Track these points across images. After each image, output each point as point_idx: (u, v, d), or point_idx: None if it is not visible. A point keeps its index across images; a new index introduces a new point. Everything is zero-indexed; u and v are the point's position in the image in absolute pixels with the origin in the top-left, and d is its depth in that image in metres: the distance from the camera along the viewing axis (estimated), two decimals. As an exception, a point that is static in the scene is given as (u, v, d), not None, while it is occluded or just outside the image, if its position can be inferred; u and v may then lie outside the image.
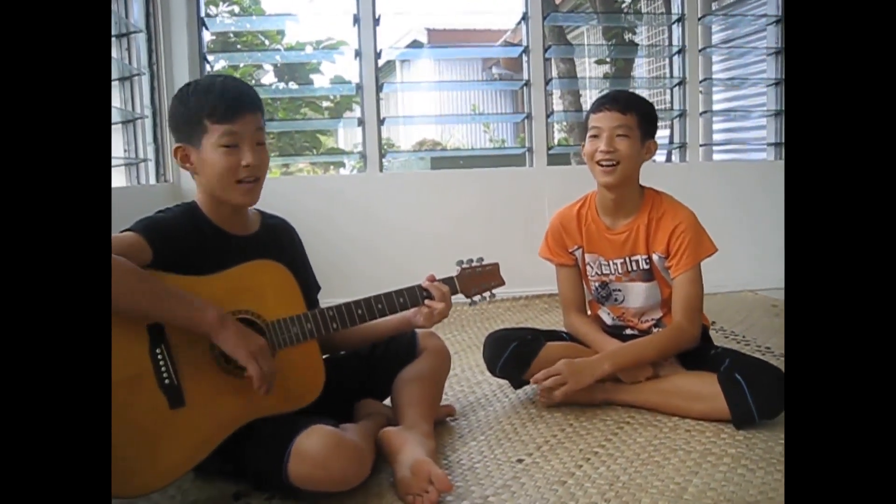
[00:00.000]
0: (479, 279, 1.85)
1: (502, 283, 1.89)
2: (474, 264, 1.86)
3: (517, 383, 2.15)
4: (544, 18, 3.76)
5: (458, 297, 1.82)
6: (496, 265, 1.89)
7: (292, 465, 1.41)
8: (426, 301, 1.75)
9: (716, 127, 4.98)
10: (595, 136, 2.04)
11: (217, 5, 7.18)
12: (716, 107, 4.96)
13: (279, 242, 1.75)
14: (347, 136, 11.25)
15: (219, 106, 1.57)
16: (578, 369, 1.96)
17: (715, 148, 4.63)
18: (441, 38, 11.64)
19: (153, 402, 1.41)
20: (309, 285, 1.77)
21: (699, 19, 3.90)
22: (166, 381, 1.43)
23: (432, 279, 1.78)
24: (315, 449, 1.41)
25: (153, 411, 1.41)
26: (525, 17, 3.75)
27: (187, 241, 1.56)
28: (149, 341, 1.43)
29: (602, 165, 2.02)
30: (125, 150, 3.13)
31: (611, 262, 2.12)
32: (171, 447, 1.42)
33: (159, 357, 1.43)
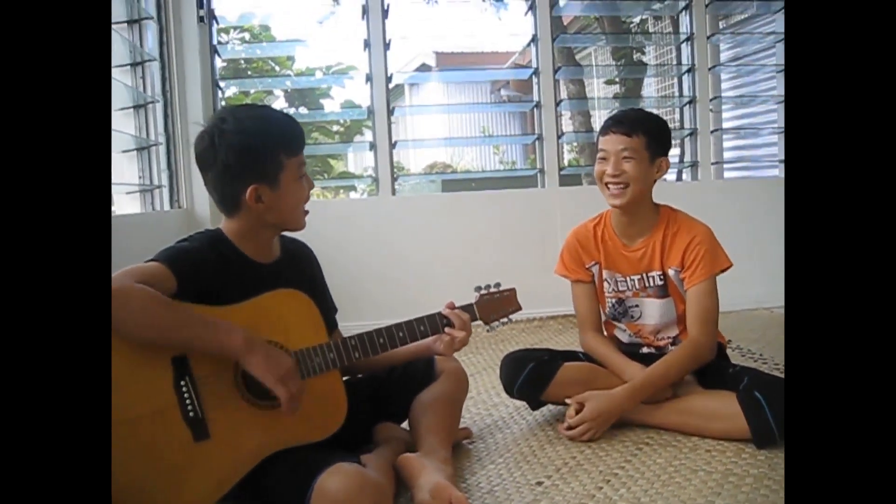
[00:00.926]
0: (497, 305, 1.85)
1: (519, 308, 1.89)
2: (492, 290, 1.86)
3: (535, 404, 2.14)
4: (553, 40, 3.78)
5: (476, 322, 1.82)
6: (513, 291, 1.89)
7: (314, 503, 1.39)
8: (447, 329, 1.75)
9: (726, 145, 4.98)
10: (603, 159, 2.05)
11: (228, 32, 7.27)
12: (725, 124, 4.97)
13: (300, 266, 1.75)
14: (357, 159, 11.31)
15: (293, 140, 1.59)
16: (601, 412, 1.95)
17: (725, 166, 4.62)
18: (449, 61, 11.71)
19: (178, 436, 1.41)
20: (327, 307, 1.77)
21: (708, 38, 3.91)
22: (191, 415, 1.43)
23: (452, 306, 1.78)
24: (337, 489, 1.38)
25: (178, 445, 1.41)
26: (535, 39, 3.77)
27: (212, 270, 1.54)
28: (173, 374, 1.42)
29: (610, 188, 2.03)
30: (140, 177, 3.16)
31: (627, 279, 2.12)
32: (196, 480, 1.42)
33: (184, 390, 1.43)
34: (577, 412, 1.96)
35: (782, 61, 4.05)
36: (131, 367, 1.39)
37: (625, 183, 2.01)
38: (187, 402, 1.42)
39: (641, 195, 2.05)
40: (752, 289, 3.52)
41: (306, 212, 1.67)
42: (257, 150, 1.54)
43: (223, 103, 3.66)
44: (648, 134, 2.03)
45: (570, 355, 2.20)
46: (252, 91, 7.03)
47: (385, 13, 3.61)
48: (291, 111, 7.20)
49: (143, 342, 1.38)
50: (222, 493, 1.44)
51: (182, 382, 1.43)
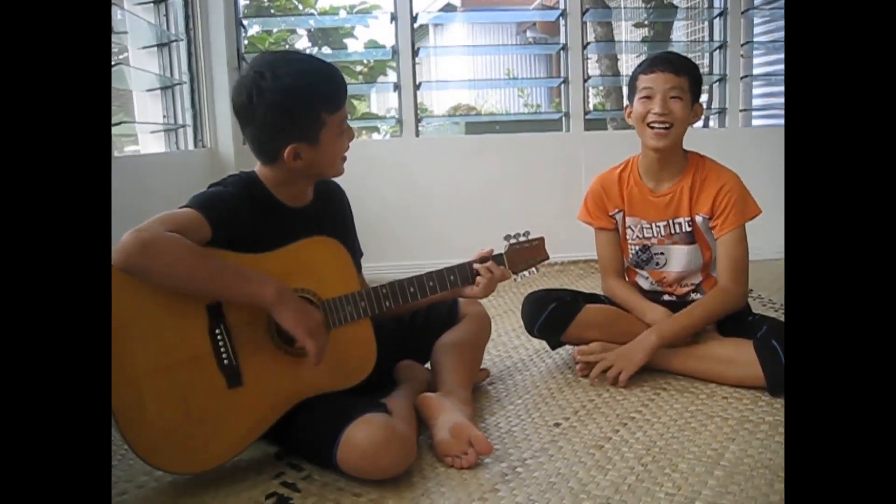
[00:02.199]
0: (526, 254, 1.87)
1: (547, 257, 1.91)
2: (521, 239, 1.87)
3: (554, 344, 2.17)
4: (582, -19, 3.71)
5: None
6: (542, 240, 1.90)
7: (341, 453, 1.42)
8: (479, 274, 1.77)
9: (755, 92, 4.87)
10: (647, 98, 2.00)
11: (251, -30, 7.17)
12: (756, 70, 4.86)
13: (332, 209, 1.76)
14: (380, 100, 11.23)
15: (335, 95, 1.56)
16: (629, 351, 1.97)
17: (754, 113, 4.54)
18: (475, 2, 11.52)
19: (213, 382, 1.44)
20: (355, 251, 1.78)
21: (742, -20, 3.81)
22: (225, 362, 1.45)
23: (484, 257, 1.79)
24: (365, 442, 1.41)
25: (212, 391, 1.44)
26: (563, -20, 3.70)
27: (245, 215, 1.54)
28: (208, 322, 1.44)
29: (654, 128, 1.99)
30: (164, 116, 3.16)
31: (653, 225, 2.11)
32: (230, 426, 1.45)
33: (219, 337, 1.45)
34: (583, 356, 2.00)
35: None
36: (167, 314, 1.41)
37: (670, 123, 1.98)
38: (222, 349, 1.45)
39: (681, 138, 2.04)
40: (776, 238, 3.46)
41: (344, 158, 1.66)
42: (298, 110, 1.52)
43: (246, 42, 3.64)
44: (692, 76, 2.01)
45: (592, 298, 2.22)
46: (275, 30, 6.96)
47: (410, -49, 3.55)
48: (314, 51, 7.15)
49: (175, 291, 1.40)
50: (253, 439, 1.48)
51: (217, 330, 1.45)
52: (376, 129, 6.28)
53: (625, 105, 2.15)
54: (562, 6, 3.73)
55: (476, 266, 1.77)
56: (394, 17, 3.60)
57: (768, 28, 5.11)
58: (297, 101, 1.51)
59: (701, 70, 2.08)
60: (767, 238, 2.38)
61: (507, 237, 1.87)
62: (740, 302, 2.02)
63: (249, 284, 1.43)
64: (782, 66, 4.96)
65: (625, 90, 5.84)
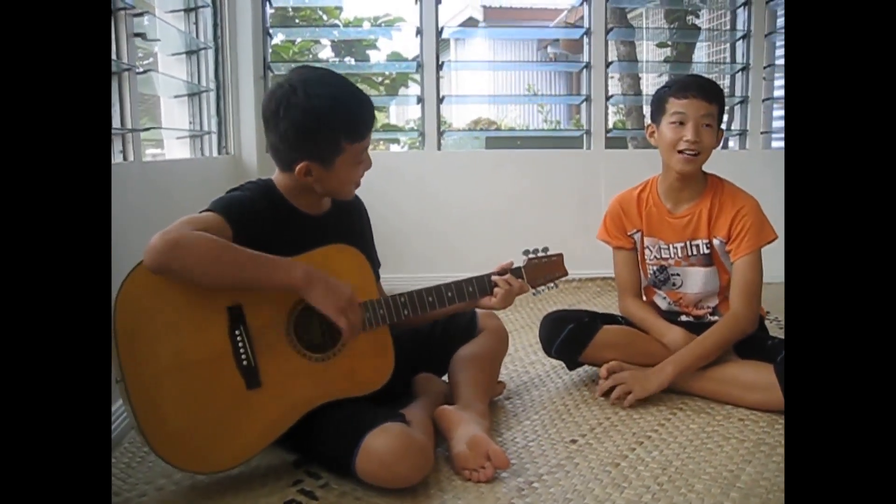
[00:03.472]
0: (544, 270, 1.88)
1: (566, 273, 1.92)
2: (540, 255, 1.88)
3: (572, 365, 2.17)
4: (607, 0, 3.72)
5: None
6: (561, 256, 1.91)
7: (360, 461, 1.44)
8: (497, 286, 1.78)
9: (774, 114, 4.87)
10: (680, 124, 2.00)
11: (278, -20, 7.23)
12: (776, 93, 4.85)
13: (350, 219, 1.78)
14: (399, 112, 11.28)
15: (359, 125, 1.58)
16: (644, 377, 1.97)
17: (773, 136, 4.54)
18: (497, 16, 11.55)
19: (231, 383, 1.46)
20: (372, 261, 1.80)
21: (767, 3, 3.82)
22: (244, 363, 1.47)
23: (503, 270, 1.81)
24: (384, 450, 1.43)
25: (231, 391, 1.46)
26: (587, -1, 3.72)
27: (265, 220, 1.57)
28: (228, 323, 1.47)
29: (685, 153, 2.00)
30: (190, 123, 3.20)
31: (671, 246, 2.12)
32: (247, 427, 1.47)
33: (238, 338, 1.47)
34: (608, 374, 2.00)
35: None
36: (188, 315, 1.43)
37: (699, 151, 1.99)
38: (241, 350, 1.47)
39: (705, 163, 2.05)
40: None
41: (358, 184, 1.69)
42: (318, 133, 1.54)
43: (271, 51, 3.68)
44: (720, 103, 2.02)
45: (610, 318, 2.22)
46: (299, 40, 7.02)
47: (437, -34, 3.58)
48: (337, 62, 7.20)
49: (207, 285, 1.43)
50: (269, 441, 1.50)
51: (237, 332, 1.47)
52: (396, 141, 6.32)
53: (647, 124, 2.16)
54: (586, 24, 3.75)
55: (495, 278, 1.79)
56: (419, 31, 3.63)
57: (790, 51, 5.10)
58: (320, 124, 1.53)
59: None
60: (783, 261, 2.38)
61: (527, 252, 1.89)
62: (751, 327, 2.02)
63: (277, 270, 1.46)
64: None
65: (645, 108, 5.84)
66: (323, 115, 1.53)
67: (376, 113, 1.65)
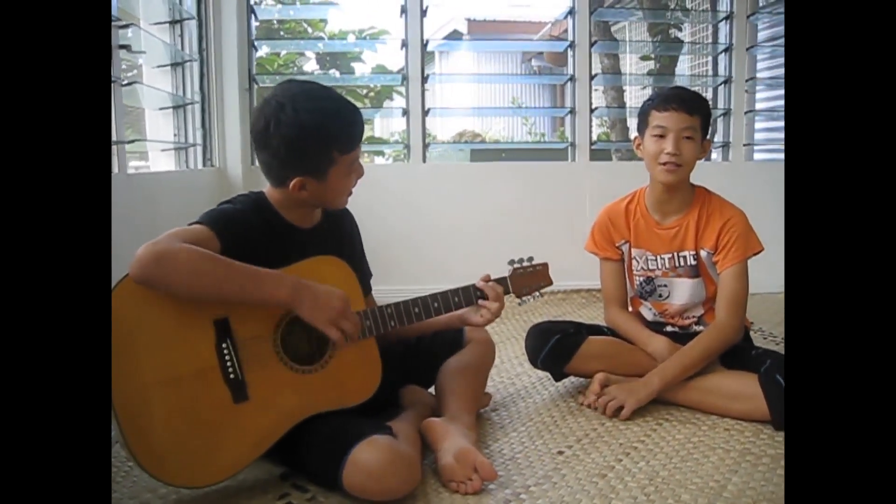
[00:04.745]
0: (529, 279, 1.89)
1: (551, 283, 1.93)
2: (525, 264, 1.89)
3: (558, 376, 2.17)
4: (591, 13, 3.76)
5: (507, 295, 1.85)
6: (546, 265, 1.92)
7: (347, 474, 1.43)
8: (482, 302, 1.78)
9: (756, 126, 4.93)
10: (661, 136, 2.02)
11: (263, -8, 7.24)
12: (757, 106, 4.91)
13: (340, 232, 1.78)
14: (384, 125, 11.29)
15: (350, 137, 1.59)
16: (633, 389, 1.98)
17: (756, 147, 4.58)
18: (481, 29, 11.59)
19: (218, 396, 1.45)
20: (363, 273, 1.80)
21: (748, 17, 3.86)
22: (231, 376, 1.46)
23: (487, 279, 1.81)
24: (371, 463, 1.42)
25: (218, 405, 1.45)
26: (572, 12, 3.74)
27: (254, 233, 1.57)
28: (215, 336, 1.46)
29: (666, 165, 2.02)
30: (175, 135, 3.20)
31: (658, 258, 2.13)
32: (234, 440, 1.46)
33: (225, 352, 1.46)
34: (601, 387, 2.00)
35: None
36: (174, 328, 1.42)
37: (680, 163, 2.01)
38: (228, 363, 1.46)
39: (689, 175, 2.07)
40: (777, 272, 3.47)
41: (350, 193, 1.69)
42: (310, 148, 1.54)
43: (256, 64, 3.69)
44: (704, 115, 2.04)
45: (595, 329, 2.23)
46: (283, 52, 7.03)
47: (422, -21, 3.60)
48: (322, 74, 7.21)
49: (192, 298, 1.42)
50: (258, 455, 1.49)
51: (224, 345, 1.46)
52: (381, 154, 6.33)
53: (633, 136, 2.17)
54: (570, 37, 3.78)
55: (480, 285, 1.79)
56: (404, 44, 3.64)
57: (770, 64, 5.18)
58: (311, 139, 1.54)
59: (705, 104, 2.11)
60: (768, 271, 2.39)
61: (511, 262, 1.89)
62: (736, 337, 2.03)
63: (264, 285, 1.46)
64: (783, 102, 5.01)
65: (630, 121, 5.88)
66: (313, 130, 1.53)
67: (361, 112, 1.65)
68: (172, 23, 3.14)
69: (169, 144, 3.14)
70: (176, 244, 1.40)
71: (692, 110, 2.01)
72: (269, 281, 1.46)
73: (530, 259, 1.91)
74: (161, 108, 3.13)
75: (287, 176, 1.57)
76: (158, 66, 3.10)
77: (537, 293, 1.91)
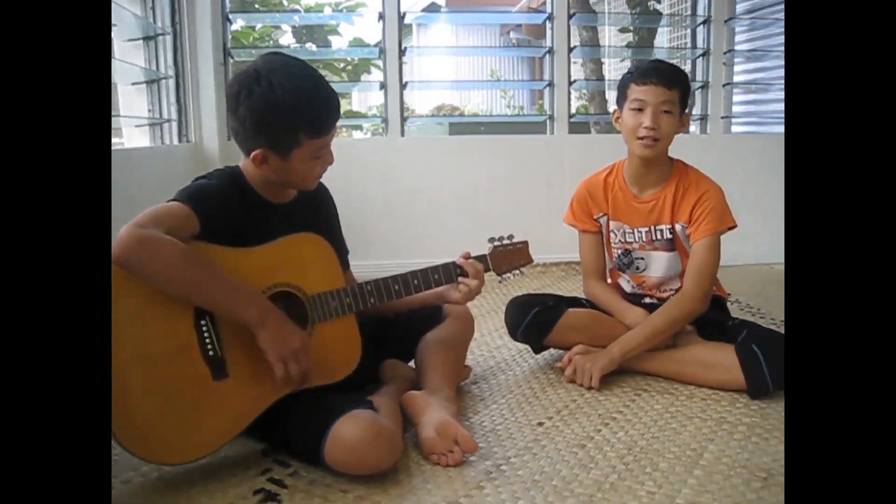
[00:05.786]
0: (510, 257, 1.89)
1: (531, 261, 1.94)
2: (505, 242, 1.89)
3: (538, 348, 2.19)
4: (569, -15, 3.74)
5: (487, 272, 1.86)
6: (526, 243, 1.93)
7: (328, 449, 1.43)
8: (461, 279, 1.79)
9: (735, 99, 4.94)
10: (639, 110, 2.02)
11: (237, -36, 7.12)
12: (736, 78, 4.92)
13: (316, 207, 1.77)
14: (362, 98, 11.21)
15: (321, 122, 1.55)
16: (594, 358, 2.00)
17: (733, 120, 4.60)
18: (459, 2, 11.51)
19: (197, 373, 1.44)
20: (340, 248, 1.79)
21: (727, -11, 3.87)
22: (210, 353, 1.46)
23: (467, 256, 1.81)
24: (352, 438, 1.43)
25: (197, 382, 1.44)
26: (550, -17, 3.72)
27: (231, 209, 1.56)
28: (194, 313, 1.45)
29: (643, 140, 2.02)
30: (149, 110, 3.15)
31: (635, 231, 2.14)
32: (214, 417, 1.46)
33: (204, 329, 1.46)
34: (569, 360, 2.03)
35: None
36: (154, 305, 1.41)
37: (658, 137, 2.01)
38: (207, 340, 1.46)
39: (667, 148, 2.07)
40: (754, 244, 3.54)
41: (318, 177, 1.68)
42: (275, 125, 1.52)
43: (231, 37, 3.64)
44: (682, 88, 2.04)
45: (574, 301, 2.25)
46: (259, 25, 6.93)
47: (399, -50, 3.56)
48: (298, 47, 7.13)
49: (163, 292, 1.42)
50: (237, 432, 1.49)
51: (203, 322, 1.46)
52: (359, 128, 6.29)
53: (612, 109, 2.17)
54: (549, 10, 3.76)
55: (460, 262, 1.79)
56: (381, 16, 3.61)
57: (749, 37, 5.19)
58: (278, 115, 1.51)
59: (684, 77, 2.11)
60: (744, 244, 2.42)
61: (492, 239, 1.89)
62: (701, 307, 2.04)
63: (236, 303, 1.45)
64: (761, 75, 5.04)
65: (609, 94, 5.87)
66: (282, 107, 1.50)
67: (339, 100, 1.64)
68: (144, -5, 3.09)
69: (143, 120, 3.10)
70: (161, 235, 1.39)
71: (671, 84, 2.00)
72: (243, 298, 1.45)
73: (510, 237, 1.91)
74: (134, 84, 3.08)
75: (251, 146, 1.56)
76: (129, 40, 3.05)
77: (517, 271, 1.92)
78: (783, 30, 4.39)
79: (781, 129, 4.25)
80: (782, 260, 3.63)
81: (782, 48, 4.45)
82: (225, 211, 1.54)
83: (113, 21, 2.85)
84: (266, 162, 1.56)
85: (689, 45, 4.85)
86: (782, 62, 4.44)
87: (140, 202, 1.49)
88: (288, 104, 1.50)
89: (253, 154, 1.55)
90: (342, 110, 1.68)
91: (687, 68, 4.17)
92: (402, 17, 3.62)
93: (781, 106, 4.45)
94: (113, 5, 2.77)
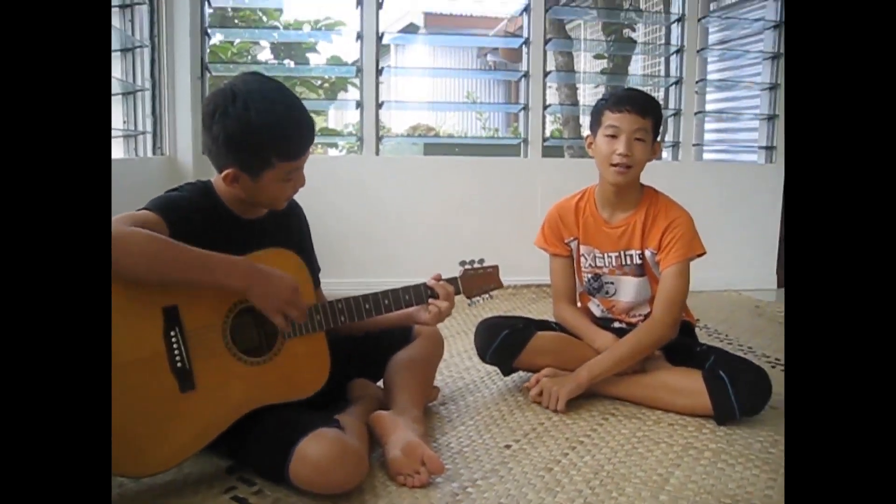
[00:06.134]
0: (480, 281, 1.90)
1: (501, 285, 1.94)
2: (476, 266, 1.90)
3: (507, 370, 2.19)
4: (546, 11, 3.78)
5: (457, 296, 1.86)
6: (496, 268, 1.93)
7: (294, 467, 1.42)
8: (432, 300, 1.79)
9: (706, 127, 5.03)
10: (613, 137, 2.04)
11: (217, -21, 7.12)
12: (707, 107, 5.02)
13: (288, 223, 1.77)
14: (338, 116, 11.21)
15: (294, 147, 1.55)
16: (562, 381, 2.01)
17: (705, 148, 4.67)
18: (438, 23, 11.60)
19: (165, 385, 1.43)
20: (311, 265, 1.79)
21: (699, 20, 3.94)
22: (178, 365, 1.45)
23: (438, 278, 1.82)
24: (318, 456, 1.42)
25: (164, 394, 1.43)
26: (527, 9, 3.77)
27: (202, 222, 1.55)
28: (163, 324, 1.44)
29: (616, 166, 2.04)
30: (124, 122, 3.14)
31: (605, 255, 2.16)
32: (180, 430, 1.44)
33: (173, 340, 1.44)
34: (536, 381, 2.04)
35: (768, 48, 4.09)
36: (122, 313, 1.40)
37: (631, 164, 2.03)
38: (175, 352, 1.44)
39: (639, 175, 2.09)
40: (722, 270, 3.59)
41: (288, 198, 1.68)
42: (248, 145, 1.51)
43: (209, 52, 3.63)
44: (655, 117, 2.06)
45: (544, 325, 2.25)
46: (237, 41, 6.94)
47: (379, -29, 3.58)
48: (276, 64, 7.14)
49: (143, 282, 1.40)
50: (202, 445, 1.47)
51: (172, 333, 1.44)
52: (334, 145, 6.29)
53: (586, 135, 2.20)
54: (525, 34, 3.80)
55: (431, 283, 1.80)
56: (359, 36, 3.62)
57: (720, 67, 5.29)
58: (251, 137, 1.50)
59: (656, 105, 2.14)
60: (713, 270, 2.44)
61: (462, 263, 1.90)
62: (669, 334, 2.05)
63: (217, 271, 1.45)
64: (732, 104, 5.14)
65: (583, 119, 5.93)
66: (255, 130, 1.49)
67: (314, 118, 1.64)
68: (123, 7, 3.08)
69: (118, 132, 3.08)
70: (127, 228, 1.38)
71: (645, 112, 2.03)
72: (223, 265, 1.46)
73: (481, 261, 1.92)
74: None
75: (222, 165, 1.56)
76: (107, 52, 3.03)
77: (487, 295, 1.92)
78: (755, 61, 4.49)
79: (751, 157, 4.32)
80: (751, 286, 3.71)
81: (752, 78, 4.54)
82: (194, 223, 1.53)
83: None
84: (237, 181, 1.56)
85: (662, 73, 4.94)
86: (752, 92, 4.53)
87: (113, 212, 1.47)
88: (261, 127, 1.49)
89: (224, 172, 1.55)
90: (317, 128, 1.68)
91: (660, 96, 4.24)
92: (380, 37, 3.64)
93: (751, 135, 4.54)
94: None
